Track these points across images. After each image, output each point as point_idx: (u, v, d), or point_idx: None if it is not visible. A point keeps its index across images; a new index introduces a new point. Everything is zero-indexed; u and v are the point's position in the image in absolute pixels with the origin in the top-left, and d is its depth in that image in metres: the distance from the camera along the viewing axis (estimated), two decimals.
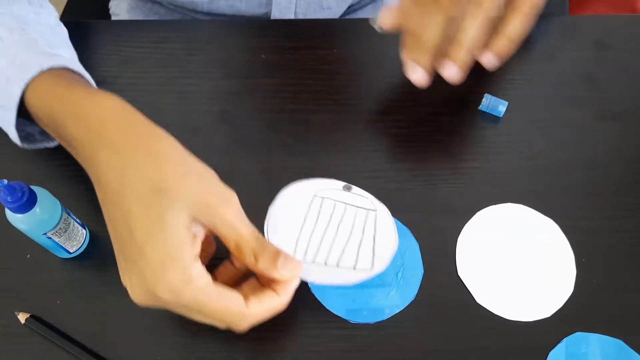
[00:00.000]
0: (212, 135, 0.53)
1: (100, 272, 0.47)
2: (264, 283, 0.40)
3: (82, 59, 0.51)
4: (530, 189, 0.50)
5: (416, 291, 0.46)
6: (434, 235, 0.49)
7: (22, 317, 0.44)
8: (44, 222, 0.42)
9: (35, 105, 0.42)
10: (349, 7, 0.76)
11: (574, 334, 0.44)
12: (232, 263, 0.41)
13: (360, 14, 0.78)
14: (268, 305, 0.39)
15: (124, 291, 0.46)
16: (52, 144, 0.47)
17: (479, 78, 0.56)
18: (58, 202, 0.44)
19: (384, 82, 0.57)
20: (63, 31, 0.50)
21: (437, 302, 0.46)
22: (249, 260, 0.39)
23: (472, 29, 0.44)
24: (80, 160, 0.41)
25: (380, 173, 0.51)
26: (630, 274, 0.47)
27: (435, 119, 0.54)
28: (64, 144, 0.42)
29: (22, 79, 0.42)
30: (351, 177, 0.51)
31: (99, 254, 0.48)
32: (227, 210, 0.38)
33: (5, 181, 0.40)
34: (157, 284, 0.35)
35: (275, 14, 0.67)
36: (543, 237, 0.48)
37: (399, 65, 0.58)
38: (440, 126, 0.54)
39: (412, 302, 0.46)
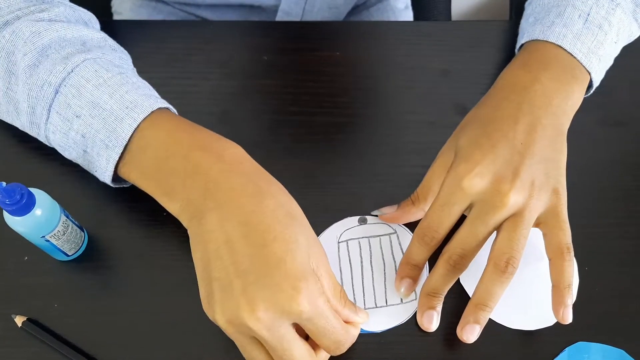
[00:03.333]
0: None
1: (98, 275, 0.47)
2: None
3: None
4: None
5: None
6: None
7: (18, 320, 0.44)
8: (43, 224, 0.42)
9: (150, 137, 0.43)
10: (355, 8, 0.76)
11: (576, 344, 0.44)
12: None
13: (365, 15, 0.77)
14: (356, 331, 0.42)
15: (121, 294, 0.46)
16: (128, 183, 0.47)
17: (482, 85, 0.56)
18: (57, 205, 0.43)
19: (386, 85, 0.56)
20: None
21: None
22: (338, 305, 0.41)
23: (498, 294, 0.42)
24: (192, 184, 0.41)
25: (381, 177, 0.51)
26: (633, 282, 0.47)
27: (438, 124, 0.54)
28: (158, 174, 0.43)
29: (134, 119, 0.43)
30: (352, 180, 0.50)
31: (97, 256, 0.47)
32: (326, 257, 0.41)
33: (4, 183, 0.39)
34: (297, 294, 0.37)
35: (284, 7, 0.67)
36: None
37: (401, 69, 0.57)
38: (443, 131, 0.53)
39: (413, 313, 0.45)
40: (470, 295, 0.45)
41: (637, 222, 0.49)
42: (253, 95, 0.55)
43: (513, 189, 0.42)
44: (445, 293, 0.44)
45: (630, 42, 0.54)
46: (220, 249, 0.39)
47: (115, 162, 0.44)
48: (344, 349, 0.41)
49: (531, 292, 0.46)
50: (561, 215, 0.44)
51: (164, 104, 0.46)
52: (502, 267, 0.41)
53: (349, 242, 0.48)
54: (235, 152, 0.42)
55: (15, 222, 0.41)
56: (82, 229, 0.47)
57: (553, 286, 0.43)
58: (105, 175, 0.45)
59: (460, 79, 0.56)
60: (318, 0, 0.67)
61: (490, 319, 0.45)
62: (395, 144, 0.53)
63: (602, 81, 0.56)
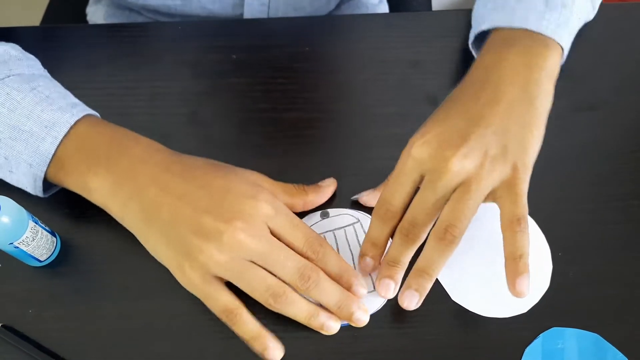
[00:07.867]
0: (182, 136, 0.53)
1: (72, 280, 0.47)
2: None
3: (51, 64, 0.51)
4: None
5: None
6: None
7: None
8: (10, 231, 0.42)
9: (72, 146, 0.45)
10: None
11: (550, 329, 0.44)
12: None
13: (336, 14, 0.77)
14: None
15: (96, 299, 0.46)
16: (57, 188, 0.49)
17: (453, 74, 0.55)
18: (24, 211, 0.43)
19: (356, 80, 0.56)
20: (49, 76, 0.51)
21: None
22: (289, 199, 0.47)
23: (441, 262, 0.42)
24: (116, 165, 0.44)
25: (352, 170, 0.51)
26: (607, 267, 0.47)
27: (408, 116, 0.54)
28: (81, 166, 0.45)
29: (55, 137, 0.45)
30: (323, 175, 0.50)
31: (71, 261, 0.47)
32: (256, 173, 0.47)
33: None
34: (256, 202, 0.43)
35: (248, 16, 0.67)
36: None
37: (371, 62, 0.57)
38: (414, 122, 0.53)
39: (386, 301, 0.45)
40: (452, 297, 0.45)
41: (610, 207, 0.49)
42: (223, 95, 0.55)
43: (458, 154, 0.42)
44: (405, 264, 0.44)
45: (586, 21, 0.55)
46: (177, 207, 0.42)
47: (42, 179, 0.45)
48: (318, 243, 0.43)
49: (503, 279, 0.46)
50: (516, 189, 0.42)
51: (82, 111, 0.46)
52: (440, 235, 0.41)
53: None
54: (148, 140, 0.47)
55: None
56: (53, 234, 0.47)
57: (505, 259, 0.41)
58: (36, 191, 0.46)
59: (431, 69, 0.56)
60: (282, 6, 0.67)
61: (463, 307, 0.45)
62: (367, 137, 0.53)
63: (573, 65, 0.56)
